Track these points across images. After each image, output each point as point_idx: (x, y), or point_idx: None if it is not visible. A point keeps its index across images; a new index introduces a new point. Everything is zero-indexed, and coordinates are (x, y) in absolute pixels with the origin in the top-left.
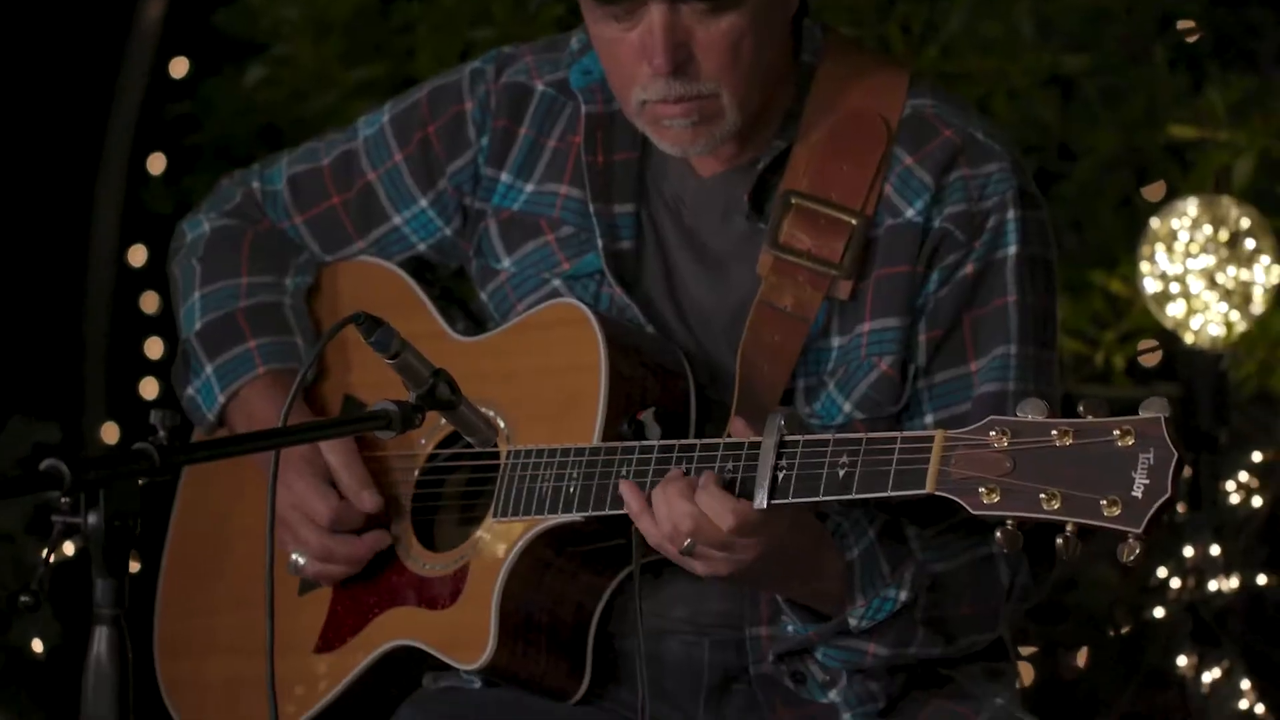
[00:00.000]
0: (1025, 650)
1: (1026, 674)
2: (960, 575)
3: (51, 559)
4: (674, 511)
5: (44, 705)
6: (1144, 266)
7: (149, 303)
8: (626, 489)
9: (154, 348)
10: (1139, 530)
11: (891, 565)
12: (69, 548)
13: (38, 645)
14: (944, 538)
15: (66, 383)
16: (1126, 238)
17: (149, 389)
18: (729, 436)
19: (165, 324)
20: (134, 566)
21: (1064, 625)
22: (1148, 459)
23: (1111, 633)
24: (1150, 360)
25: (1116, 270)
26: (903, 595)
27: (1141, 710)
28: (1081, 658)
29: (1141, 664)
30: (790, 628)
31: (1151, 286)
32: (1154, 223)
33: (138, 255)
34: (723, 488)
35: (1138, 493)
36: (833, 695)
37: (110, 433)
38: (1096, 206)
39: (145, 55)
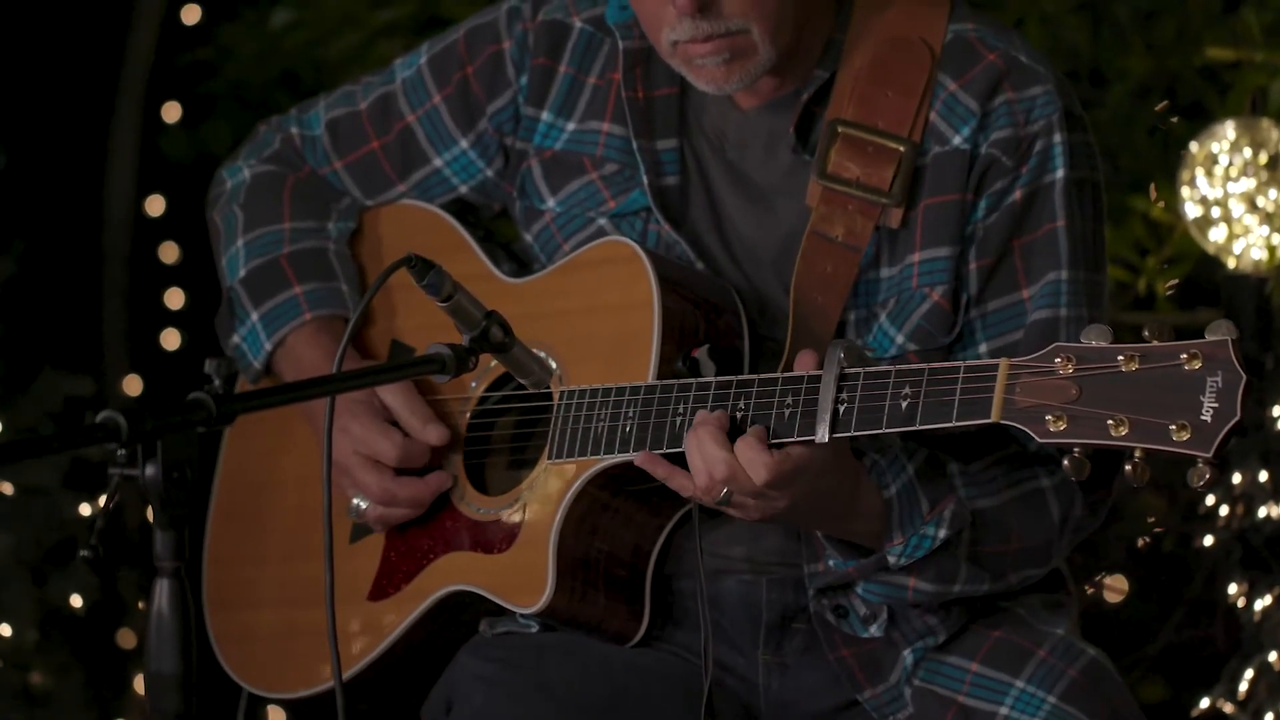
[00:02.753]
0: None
1: None
2: (1005, 511)
3: (108, 510)
4: (708, 458)
5: (84, 660)
6: (1184, 191)
7: (168, 253)
8: (645, 460)
9: (174, 298)
10: (1209, 454)
11: (930, 502)
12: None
13: (76, 600)
14: (989, 473)
15: (89, 336)
16: (1162, 163)
17: (170, 340)
18: (789, 371)
19: (185, 274)
20: None
21: (1109, 555)
22: (1215, 382)
23: (1157, 562)
24: (1171, 292)
25: (1159, 195)
26: (941, 533)
27: (1187, 640)
28: (1126, 587)
29: (1186, 593)
30: (831, 562)
31: (1192, 212)
32: (1193, 147)
33: (155, 205)
34: (764, 441)
35: (1207, 416)
36: (873, 630)
37: (133, 385)
38: (1130, 132)
39: (156, 3)
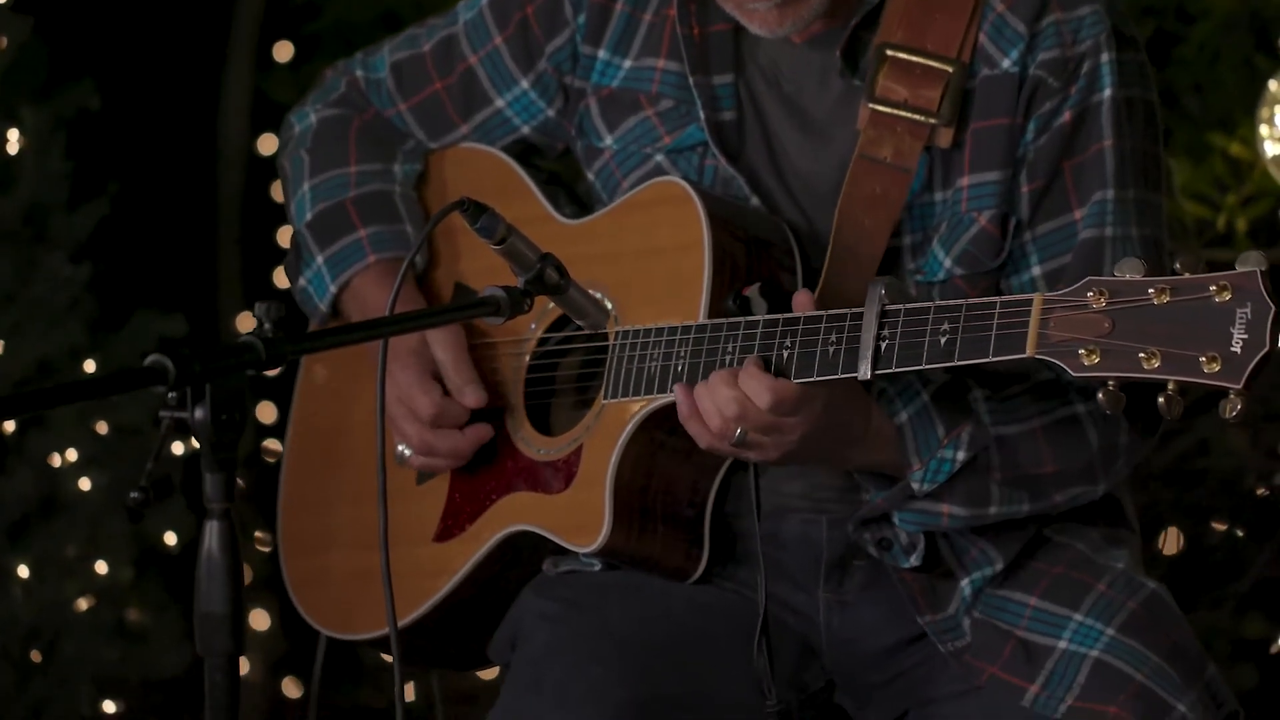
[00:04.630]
0: (1170, 519)
1: (1175, 541)
2: (1035, 436)
3: (161, 454)
4: (718, 399)
5: (178, 597)
6: (1263, 129)
7: (280, 191)
8: (679, 391)
9: (286, 236)
10: (1239, 385)
11: (947, 427)
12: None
13: (171, 538)
14: (1017, 400)
15: (200, 275)
16: (1247, 99)
17: (283, 278)
18: (821, 300)
19: None
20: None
21: (1200, 490)
22: (1245, 313)
23: (1245, 498)
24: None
25: (1236, 133)
26: (960, 455)
27: (1278, 574)
28: (1219, 524)
29: (1278, 528)
30: (865, 496)
31: (1271, 149)
32: (1272, 85)
33: (268, 144)
34: (762, 368)
35: (1236, 348)
36: (913, 559)
37: (246, 322)
38: (1216, 68)
39: None
